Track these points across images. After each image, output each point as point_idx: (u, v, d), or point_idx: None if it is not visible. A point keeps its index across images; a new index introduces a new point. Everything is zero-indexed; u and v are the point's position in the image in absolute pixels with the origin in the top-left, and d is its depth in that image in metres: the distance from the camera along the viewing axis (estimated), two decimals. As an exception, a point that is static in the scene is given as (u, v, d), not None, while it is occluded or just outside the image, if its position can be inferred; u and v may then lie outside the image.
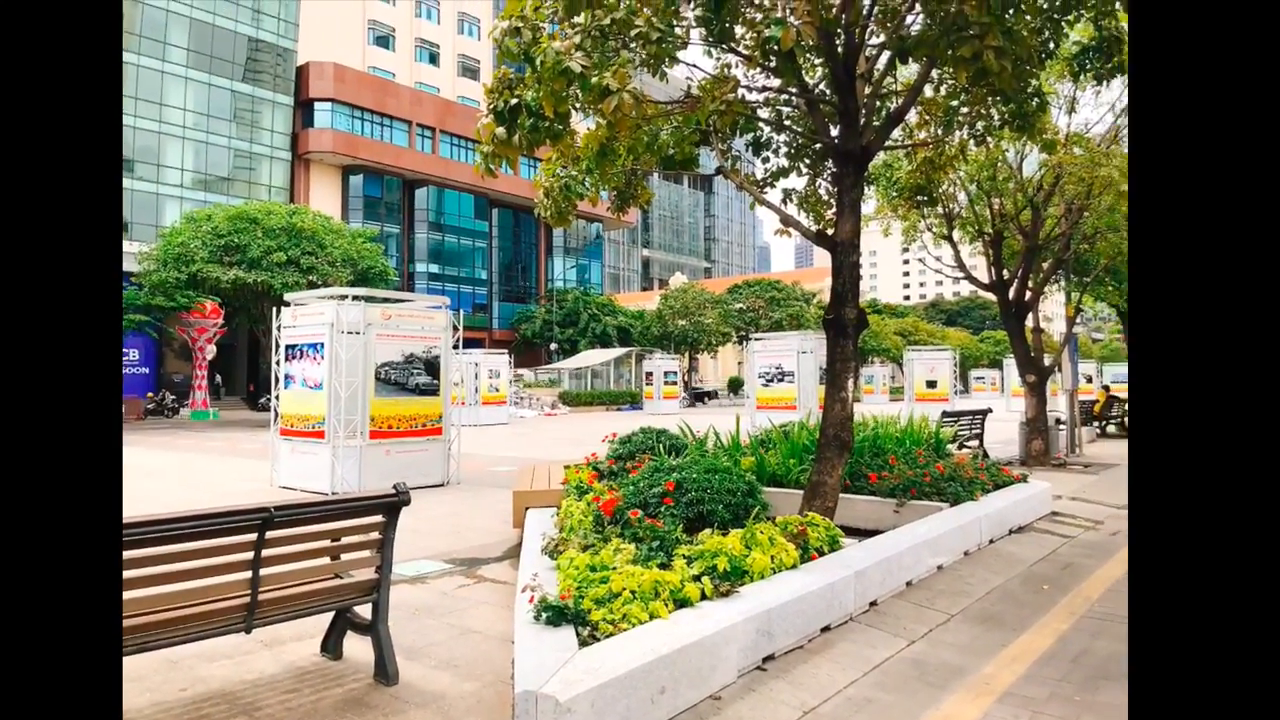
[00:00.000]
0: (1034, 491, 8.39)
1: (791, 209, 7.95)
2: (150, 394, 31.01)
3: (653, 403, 36.95)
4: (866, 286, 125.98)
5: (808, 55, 7.32)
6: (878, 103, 7.10)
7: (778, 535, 5.06)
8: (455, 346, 12.04)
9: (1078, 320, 16.98)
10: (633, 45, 5.35)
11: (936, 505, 7.01)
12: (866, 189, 11.94)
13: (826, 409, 6.40)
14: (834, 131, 6.68)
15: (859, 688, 3.94)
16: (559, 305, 51.52)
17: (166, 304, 27.29)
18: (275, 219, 27.52)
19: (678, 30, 5.57)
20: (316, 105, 45.11)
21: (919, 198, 9.36)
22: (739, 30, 6.41)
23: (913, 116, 7.89)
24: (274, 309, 12.23)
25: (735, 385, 57.16)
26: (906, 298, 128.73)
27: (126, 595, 3.01)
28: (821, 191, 8.21)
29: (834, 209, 7.13)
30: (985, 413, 14.09)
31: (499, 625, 4.88)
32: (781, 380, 20.39)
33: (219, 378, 37.41)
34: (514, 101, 5.62)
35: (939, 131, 7.75)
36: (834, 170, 7.10)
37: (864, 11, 6.32)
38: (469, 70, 58.12)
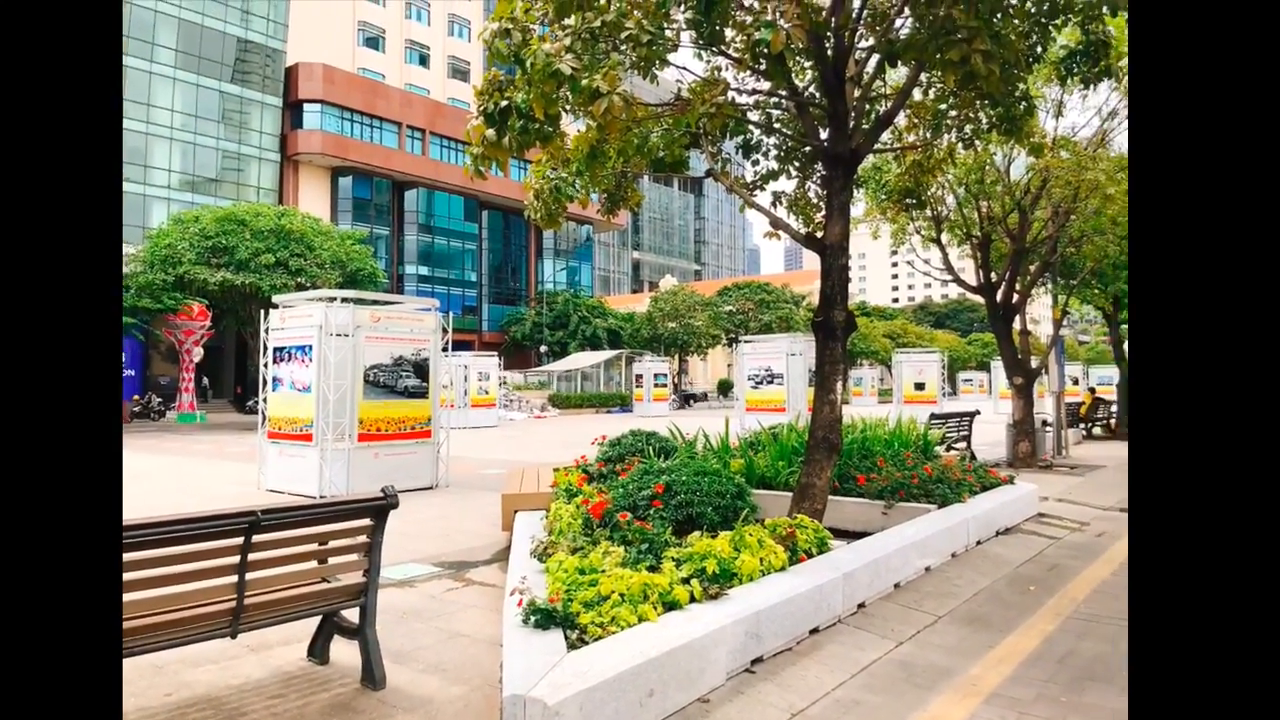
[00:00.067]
0: (1021, 493, 8.44)
1: (781, 212, 7.97)
2: (136, 397, 30.74)
3: (642, 405, 36.96)
4: (855, 289, 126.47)
5: (797, 58, 7.34)
6: (867, 106, 7.13)
7: (766, 537, 5.06)
8: (444, 349, 11.99)
9: (1064, 323, 17.10)
10: (623, 48, 5.35)
11: (924, 507, 7.04)
12: (855, 192, 11.96)
13: (815, 411, 6.42)
14: (823, 134, 6.70)
15: (847, 689, 3.94)
16: (549, 307, 51.49)
17: (153, 306, 27.08)
18: (264, 221, 27.39)
19: (668, 33, 5.58)
20: (306, 106, 44.93)
21: (908, 200, 9.41)
22: (729, 33, 6.42)
23: (901, 120, 7.94)
24: (262, 311, 12.15)
25: (725, 387, 57.23)
26: (895, 300, 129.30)
27: (110, 600, 2.98)
28: (811, 194, 8.24)
29: (823, 212, 7.16)
30: (973, 415, 14.16)
31: (487, 629, 4.87)
32: (771, 382, 20.43)
33: (206, 380, 37.17)
34: (504, 103, 5.61)
35: (927, 135, 7.79)
36: (823, 173, 7.13)
37: (853, 15, 6.35)
38: (459, 72, 58.05)
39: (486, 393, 28.41)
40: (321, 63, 45.54)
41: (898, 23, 6.41)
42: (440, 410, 11.83)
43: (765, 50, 4.95)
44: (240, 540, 3.37)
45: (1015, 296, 14.27)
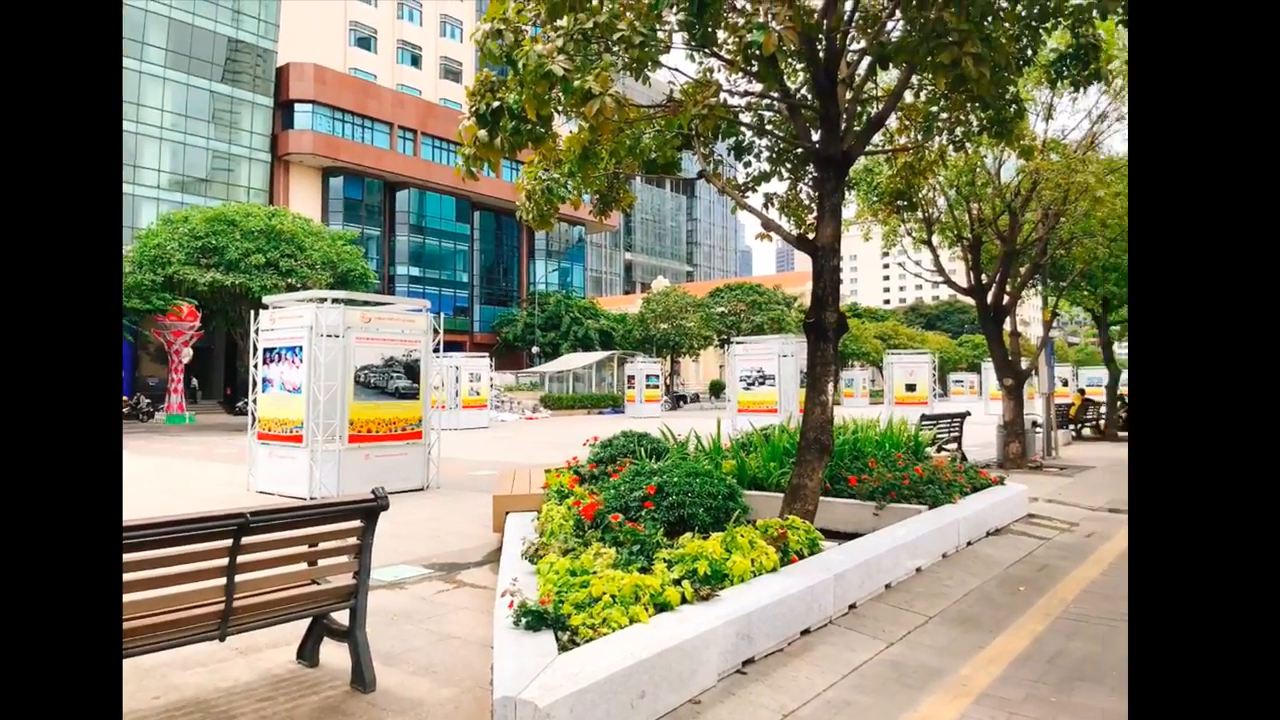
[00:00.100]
0: (1011, 494, 8.47)
1: (773, 213, 7.99)
2: (124, 398, 30.54)
3: (634, 406, 36.95)
4: (847, 290, 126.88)
5: (789, 60, 7.35)
6: (858, 108, 7.15)
7: (758, 538, 5.07)
8: (436, 350, 11.96)
9: (1054, 324, 17.18)
10: (615, 49, 5.35)
11: (915, 508, 7.06)
12: (847, 194, 12.00)
13: (807, 412, 6.42)
14: (815, 136, 6.71)
15: (838, 690, 3.95)
16: (541, 308, 51.42)
17: (142, 307, 26.91)
18: (254, 221, 27.25)
19: (660, 34, 5.57)
20: (297, 106, 44.75)
21: (899, 203, 9.43)
22: (721, 35, 6.43)
23: (893, 122, 7.96)
24: (252, 312, 12.10)
25: (717, 389, 57.31)
26: (886, 302, 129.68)
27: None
28: (803, 196, 8.26)
29: (815, 213, 7.17)
30: (964, 416, 14.21)
31: (478, 630, 4.85)
32: (762, 383, 20.47)
33: (195, 381, 36.95)
34: (496, 104, 5.60)
35: (919, 137, 7.82)
36: (815, 175, 7.15)
37: (845, 17, 6.37)
38: (451, 72, 57.94)
39: (478, 394, 28.36)
40: (313, 63, 45.38)
41: (889, 25, 6.43)
42: (431, 411, 11.80)
43: (757, 52, 4.96)
44: (229, 542, 3.35)
45: (1006, 298, 14.34)
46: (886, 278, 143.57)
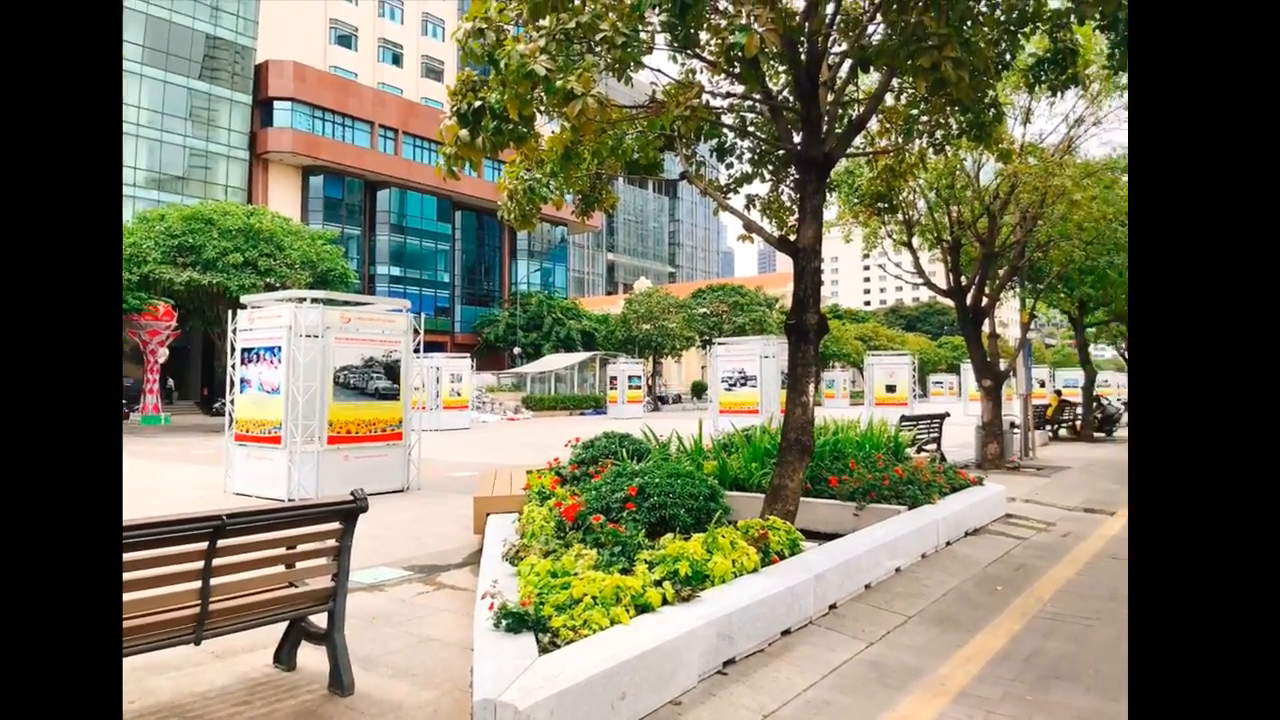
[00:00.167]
0: (989, 494, 8.55)
1: (755, 215, 8.01)
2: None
3: (616, 407, 36.94)
4: (828, 292, 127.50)
5: (771, 62, 7.37)
6: (840, 110, 7.19)
7: (739, 539, 5.08)
8: (416, 350, 11.89)
9: (1031, 326, 17.37)
10: (598, 49, 5.34)
11: (895, 508, 7.11)
12: (828, 195, 12.06)
13: (788, 413, 6.45)
14: (797, 138, 6.74)
15: (818, 690, 3.96)
16: (523, 309, 51.26)
17: (117, 305, 26.49)
18: (232, 220, 26.96)
19: (643, 35, 5.58)
20: (276, 104, 44.33)
21: (880, 205, 9.50)
22: (703, 36, 6.44)
23: (874, 124, 8.01)
24: (230, 311, 11.96)
25: (699, 389, 57.39)
26: (867, 303, 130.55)
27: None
28: (784, 198, 8.29)
29: (796, 215, 7.20)
30: (943, 417, 14.33)
31: (458, 633, 4.82)
32: (744, 384, 20.52)
33: (171, 382, 36.51)
34: (478, 104, 5.58)
35: (899, 140, 7.87)
36: (796, 177, 7.18)
37: (826, 20, 6.40)
38: (433, 71, 57.63)
39: (459, 395, 28.22)
40: (292, 60, 44.97)
41: (870, 29, 6.47)
42: (412, 412, 11.73)
43: (739, 54, 4.97)
44: (205, 545, 3.31)
45: (984, 300, 14.48)
46: (867, 279, 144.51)
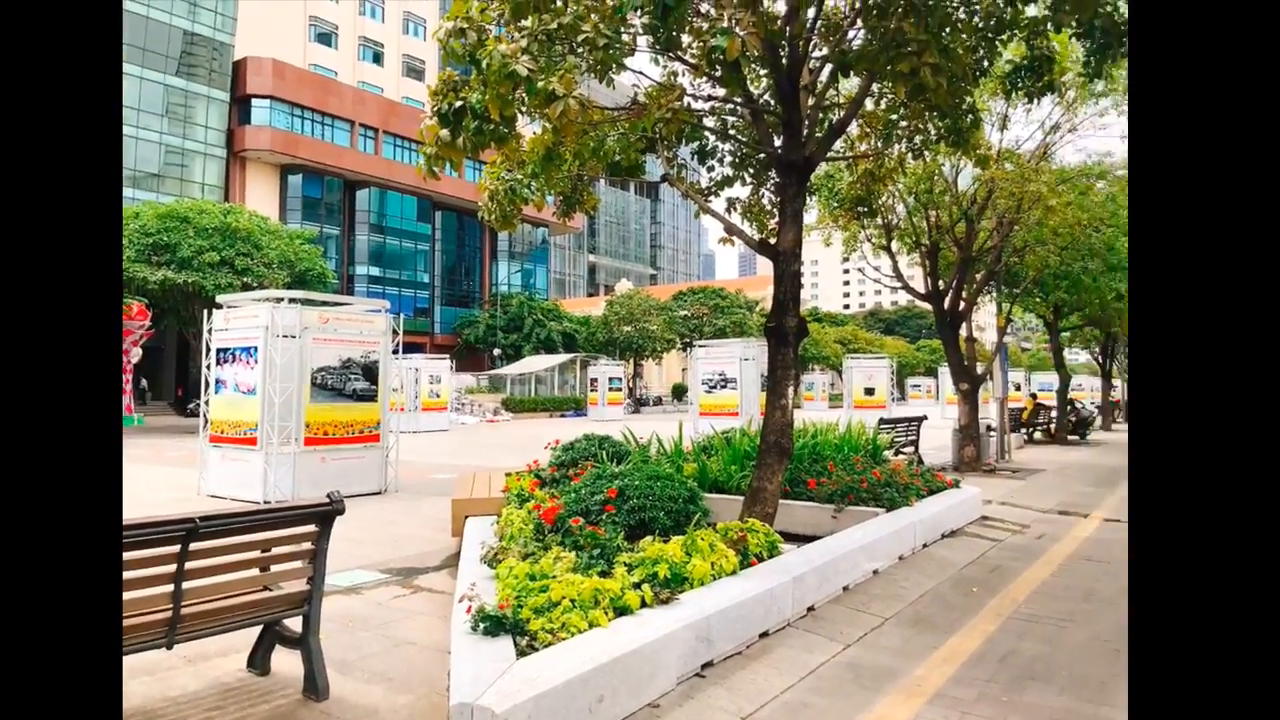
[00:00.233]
0: (965, 497, 8.63)
1: (735, 218, 8.04)
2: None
3: (597, 409, 36.88)
4: (808, 295, 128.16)
5: (753, 66, 7.41)
6: (820, 115, 7.23)
7: (718, 542, 5.08)
8: (395, 351, 11.80)
9: (1008, 330, 17.57)
10: (580, 50, 5.33)
11: (873, 511, 7.15)
12: (808, 199, 12.12)
13: (767, 416, 6.47)
14: (778, 142, 6.77)
15: (795, 692, 3.98)
16: (503, 310, 51.06)
17: (89, 304, 26.05)
18: (208, 218, 26.62)
19: (625, 37, 5.57)
20: (254, 102, 43.80)
21: (859, 209, 9.58)
22: (685, 39, 6.46)
23: (854, 129, 8.06)
24: (205, 311, 11.81)
25: (679, 391, 57.48)
26: (846, 307, 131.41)
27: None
28: (765, 201, 8.33)
29: (776, 218, 7.24)
30: (921, 420, 14.44)
31: (435, 636, 4.79)
32: (724, 387, 20.56)
33: (144, 382, 35.94)
34: (459, 104, 5.54)
35: (879, 144, 7.93)
36: (777, 180, 7.21)
37: (808, 25, 6.44)
38: (414, 71, 57.30)
39: (438, 396, 28.04)
40: (271, 57, 44.47)
41: (850, 34, 6.51)
42: (390, 414, 11.64)
43: (721, 57, 4.99)
44: (177, 548, 3.25)
45: (962, 304, 14.62)
46: (847, 283, 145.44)
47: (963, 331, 14.82)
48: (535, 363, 45.56)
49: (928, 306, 15.05)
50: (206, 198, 37.21)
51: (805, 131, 6.61)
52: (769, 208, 8.25)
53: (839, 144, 8.34)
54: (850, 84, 8.66)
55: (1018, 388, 31.99)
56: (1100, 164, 16.23)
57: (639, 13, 6.06)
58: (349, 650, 4.49)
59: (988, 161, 9.73)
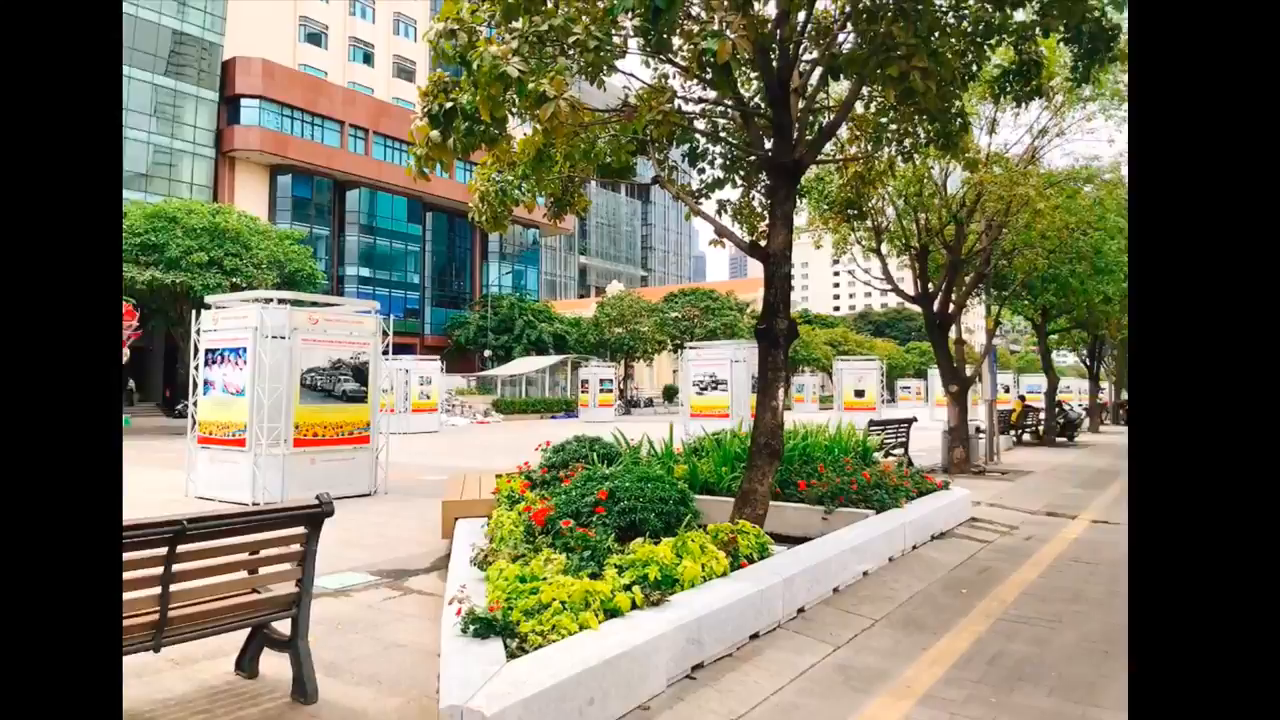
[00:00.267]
0: (955, 498, 8.67)
1: (726, 220, 8.06)
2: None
3: (588, 410, 36.86)
4: (798, 297, 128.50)
5: (743, 69, 7.43)
6: (810, 118, 7.26)
7: (709, 543, 5.09)
8: (385, 352, 11.76)
9: (997, 332, 17.67)
10: (571, 52, 5.34)
11: (863, 512, 7.17)
12: (799, 202, 12.18)
13: (758, 417, 6.48)
14: (768, 144, 6.79)
15: (785, 694, 3.98)
16: (494, 311, 50.94)
17: (76, 304, 25.85)
18: (196, 218, 26.46)
19: (616, 39, 5.59)
20: (243, 102, 43.57)
21: (849, 211, 9.61)
22: (676, 42, 6.46)
23: (844, 132, 8.11)
24: (194, 311, 11.74)
25: (670, 393, 57.45)
26: (836, 309, 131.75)
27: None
28: (755, 203, 8.35)
29: (767, 221, 7.25)
30: (910, 421, 14.50)
31: (425, 639, 4.77)
32: (715, 388, 20.58)
33: (132, 383, 35.72)
34: (449, 105, 5.54)
35: (869, 147, 7.97)
36: (767, 183, 7.23)
37: (798, 28, 6.46)
38: (404, 71, 57.14)
39: (428, 397, 27.96)
40: (261, 57, 44.25)
41: (841, 37, 6.54)
42: (380, 415, 11.59)
43: (712, 60, 5.00)
44: (164, 550, 3.23)
45: (951, 306, 14.70)
46: (836, 285, 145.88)
47: (952, 334, 14.89)
48: (526, 364, 45.49)
49: (917, 309, 15.13)
50: (195, 198, 36.98)
51: (795, 134, 6.63)
52: (759, 210, 8.27)
53: (829, 147, 8.38)
54: (840, 87, 8.70)
55: (1006, 390, 32.17)
56: (1088, 168, 16.35)
57: (630, 15, 6.06)
58: (338, 653, 4.47)
59: (976, 165, 9.79)
